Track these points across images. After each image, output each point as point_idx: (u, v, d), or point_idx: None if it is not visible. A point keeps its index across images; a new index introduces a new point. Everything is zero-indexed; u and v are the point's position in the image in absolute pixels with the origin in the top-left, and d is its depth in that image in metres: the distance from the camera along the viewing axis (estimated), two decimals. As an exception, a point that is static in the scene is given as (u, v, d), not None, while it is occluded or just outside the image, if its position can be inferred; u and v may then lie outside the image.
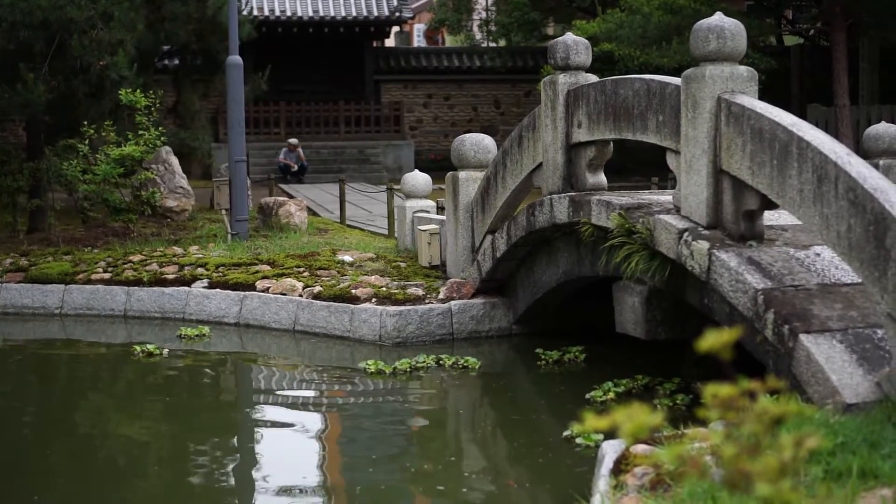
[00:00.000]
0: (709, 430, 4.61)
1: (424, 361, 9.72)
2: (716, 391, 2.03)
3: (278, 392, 9.82)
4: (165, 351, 10.57)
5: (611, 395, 8.21)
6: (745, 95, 7.20)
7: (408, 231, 12.88)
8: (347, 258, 12.54)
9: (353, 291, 11.15)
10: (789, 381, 6.06)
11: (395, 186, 15.10)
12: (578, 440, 7.02)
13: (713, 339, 2.02)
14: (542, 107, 9.58)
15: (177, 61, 20.33)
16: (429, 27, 37.62)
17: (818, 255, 6.98)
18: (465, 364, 9.68)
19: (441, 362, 9.74)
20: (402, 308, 10.69)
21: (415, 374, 9.53)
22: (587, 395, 8.23)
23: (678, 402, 7.94)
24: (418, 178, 13.22)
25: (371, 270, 12.00)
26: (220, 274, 12.44)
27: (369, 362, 9.62)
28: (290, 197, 18.67)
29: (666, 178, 15.65)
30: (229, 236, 14.60)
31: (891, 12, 20.81)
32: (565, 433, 7.20)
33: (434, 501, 6.64)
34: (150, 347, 10.55)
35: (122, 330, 12.04)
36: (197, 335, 11.30)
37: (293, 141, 26.98)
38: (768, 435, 2.05)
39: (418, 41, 43.54)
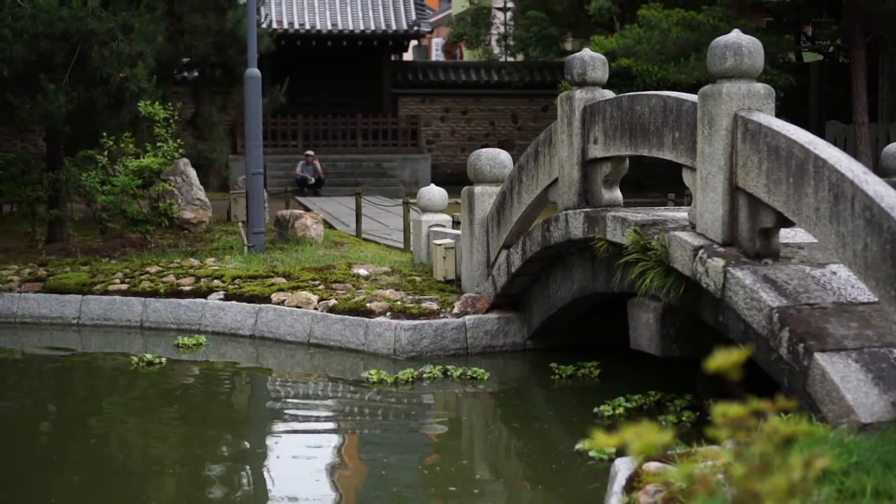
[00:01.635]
0: (720, 448, 4.60)
1: (431, 372, 9.79)
2: (725, 410, 2.03)
3: (279, 399, 9.90)
4: (163, 360, 10.70)
5: (620, 410, 8.21)
6: (761, 113, 7.19)
7: (423, 245, 12.90)
8: (363, 272, 12.56)
9: (368, 305, 11.17)
10: (804, 399, 6.03)
11: (412, 200, 15.13)
12: (592, 453, 7.02)
13: (723, 359, 2.02)
14: (558, 122, 9.59)
15: (196, 73, 20.46)
16: (447, 41, 37.75)
17: (834, 273, 6.96)
18: (474, 375, 9.73)
19: (448, 373, 9.80)
20: (416, 322, 10.70)
21: (417, 384, 9.59)
22: (595, 410, 8.24)
23: (684, 419, 7.94)
24: (434, 193, 13.24)
25: (386, 284, 12.01)
26: (236, 286, 12.48)
27: (372, 372, 9.72)
28: (307, 210, 18.72)
29: (682, 195, 15.63)
30: (246, 248, 14.65)
31: (910, 30, 20.76)
32: (577, 446, 7.20)
33: (449, 493, 6.76)
34: (149, 357, 10.65)
35: (137, 341, 12.08)
36: (194, 344, 11.47)
37: (310, 153, 27.08)
38: (778, 454, 2.05)
39: (436, 55, 43.68)
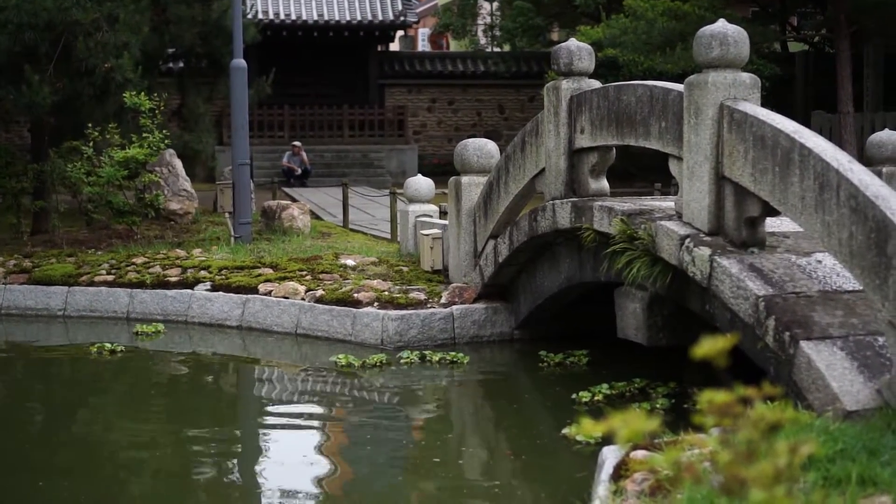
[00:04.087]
0: (706, 436, 4.61)
1: (408, 358, 9.87)
2: (711, 397, 2.04)
3: (244, 384, 10.20)
4: (122, 348, 10.83)
5: (599, 396, 8.25)
6: (747, 102, 7.21)
7: (410, 235, 12.89)
8: (350, 262, 12.55)
9: (356, 295, 11.17)
10: (790, 387, 6.06)
11: (399, 191, 15.12)
12: (578, 437, 7.08)
13: (709, 346, 2.03)
14: (545, 112, 9.59)
15: (181, 64, 20.35)
16: (433, 32, 37.68)
17: (819, 262, 6.98)
18: (454, 360, 9.81)
19: (426, 358, 9.90)
20: (404, 312, 10.70)
21: (387, 368, 9.74)
22: (573, 396, 8.29)
23: (658, 406, 8.00)
24: (421, 183, 13.23)
25: (373, 274, 12.01)
26: (223, 277, 12.46)
27: (340, 356, 9.89)
28: (294, 200, 18.69)
29: (669, 184, 15.65)
30: (232, 239, 14.62)
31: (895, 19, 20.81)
32: (563, 431, 7.28)
33: (433, 473, 6.88)
34: (109, 346, 10.75)
35: (124, 332, 12.06)
36: (153, 332, 11.64)
37: (297, 143, 27.03)
38: (764, 441, 2.06)
39: (423, 45, 43.57)
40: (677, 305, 7.91)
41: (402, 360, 9.88)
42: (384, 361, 9.79)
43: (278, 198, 19.03)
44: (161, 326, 11.82)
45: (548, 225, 9.44)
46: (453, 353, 10.00)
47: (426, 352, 10.10)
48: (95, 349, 10.70)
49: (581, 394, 8.28)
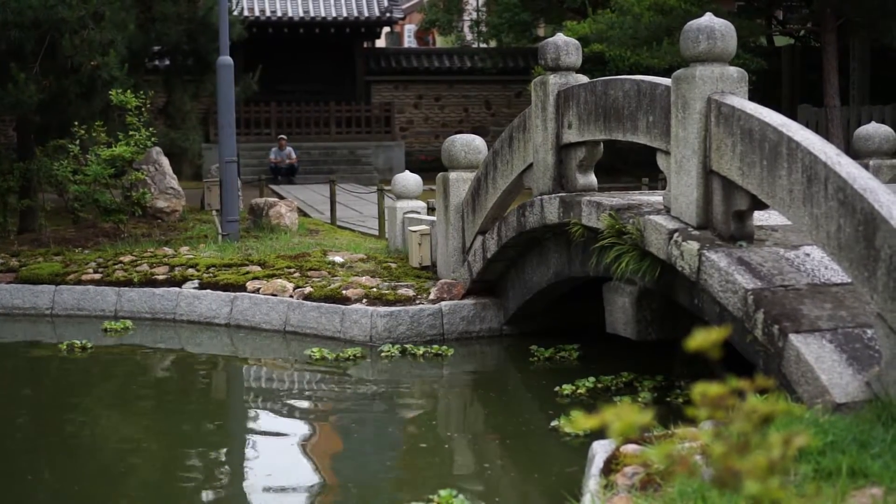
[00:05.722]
0: (698, 429, 4.62)
1: (389, 351, 9.92)
2: (705, 390, 2.04)
3: (222, 380, 10.26)
4: (91, 345, 10.81)
5: (582, 390, 8.26)
6: (735, 96, 7.21)
7: (398, 232, 12.88)
8: (338, 259, 12.53)
9: (344, 292, 11.15)
10: (779, 380, 6.07)
11: (386, 187, 15.10)
12: (567, 429, 7.10)
13: (701, 339, 2.03)
14: (532, 108, 9.59)
15: (167, 62, 20.30)
16: (419, 28, 37.66)
17: (808, 255, 7.00)
18: (438, 352, 9.85)
19: (406, 352, 9.98)
20: (392, 309, 10.69)
21: (361, 361, 9.80)
22: (555, 389, 8.30)
23: (640, 399, 8.02)
24: (409, 179, 13.22)
25: (362, 271, 12.00)
26: (211, 275, 12.43)
27: (314, 349, 10.02)
28: (281, 198, 18.65)
29: (656, 179, 15.67)
30: (220, 237, 14.59)
31: (881, 12, 20.87)
32: (553, 423, 7.31)
33: (420, 457, 6.98)
34: (79, 342, 10.73)
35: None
36: (122, 328, 11.71)
37: (283, 137, 27.09)
38: (757, 434, 2.06)
39: (409, 42, 43.55)
40: (666, 300, 7.92)
41: (382, 354, 9.90)
42: (358, 355, 9.82)
43: (265, 195, 18.99)
44: (129, 323, 11.85)
45: (536, 220, 9.44)
46: (437, 347, 10.02)
47: (407, 345, 10.14)
48: (66, 346, 10.68)
49: (564, 387, 8.28)
